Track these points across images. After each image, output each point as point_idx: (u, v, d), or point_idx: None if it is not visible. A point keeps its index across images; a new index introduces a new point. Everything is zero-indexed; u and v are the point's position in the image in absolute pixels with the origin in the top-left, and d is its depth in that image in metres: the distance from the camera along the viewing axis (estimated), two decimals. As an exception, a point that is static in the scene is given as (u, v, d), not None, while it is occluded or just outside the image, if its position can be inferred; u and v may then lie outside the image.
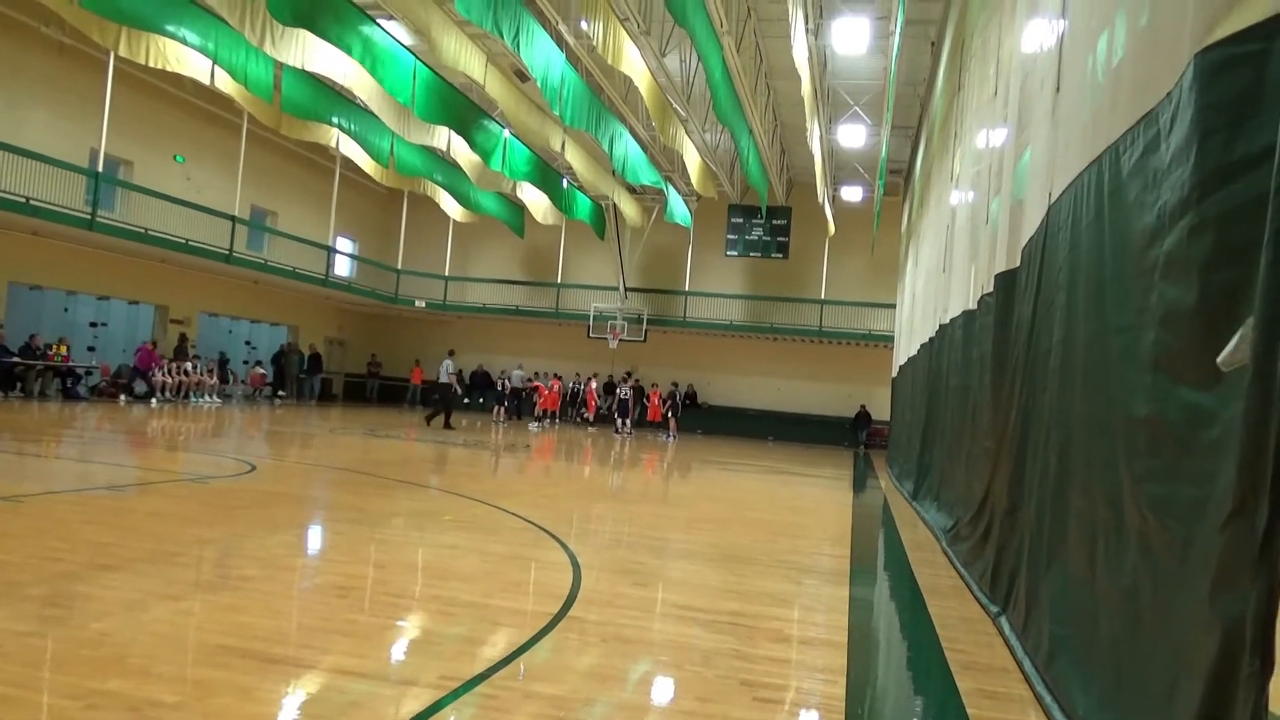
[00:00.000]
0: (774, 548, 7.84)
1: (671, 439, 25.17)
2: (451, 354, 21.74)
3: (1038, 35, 5.97)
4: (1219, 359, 2.33)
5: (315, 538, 6.92)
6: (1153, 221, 2.91)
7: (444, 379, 20.85)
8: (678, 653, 4.28)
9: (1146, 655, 2.87)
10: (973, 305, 8.00)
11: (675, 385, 28.18)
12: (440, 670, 3.71)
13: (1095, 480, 3.56)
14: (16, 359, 18.84)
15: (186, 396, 22.43)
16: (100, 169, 18.95)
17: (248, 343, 29.11)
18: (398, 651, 4.10)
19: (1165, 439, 2.79)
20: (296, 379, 28.15)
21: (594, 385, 28.44)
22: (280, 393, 27.27)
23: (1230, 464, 2.28)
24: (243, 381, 26.53)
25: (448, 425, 20.47)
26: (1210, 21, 2.51)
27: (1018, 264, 5.83)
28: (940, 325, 10.98)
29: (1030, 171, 5.75)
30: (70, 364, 20.34)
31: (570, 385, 29.83)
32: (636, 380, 28.22)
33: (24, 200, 17.01)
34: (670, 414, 26.60)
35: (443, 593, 5.15)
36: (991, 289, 6.82)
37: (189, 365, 22.81)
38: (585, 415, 28.45)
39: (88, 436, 13.31)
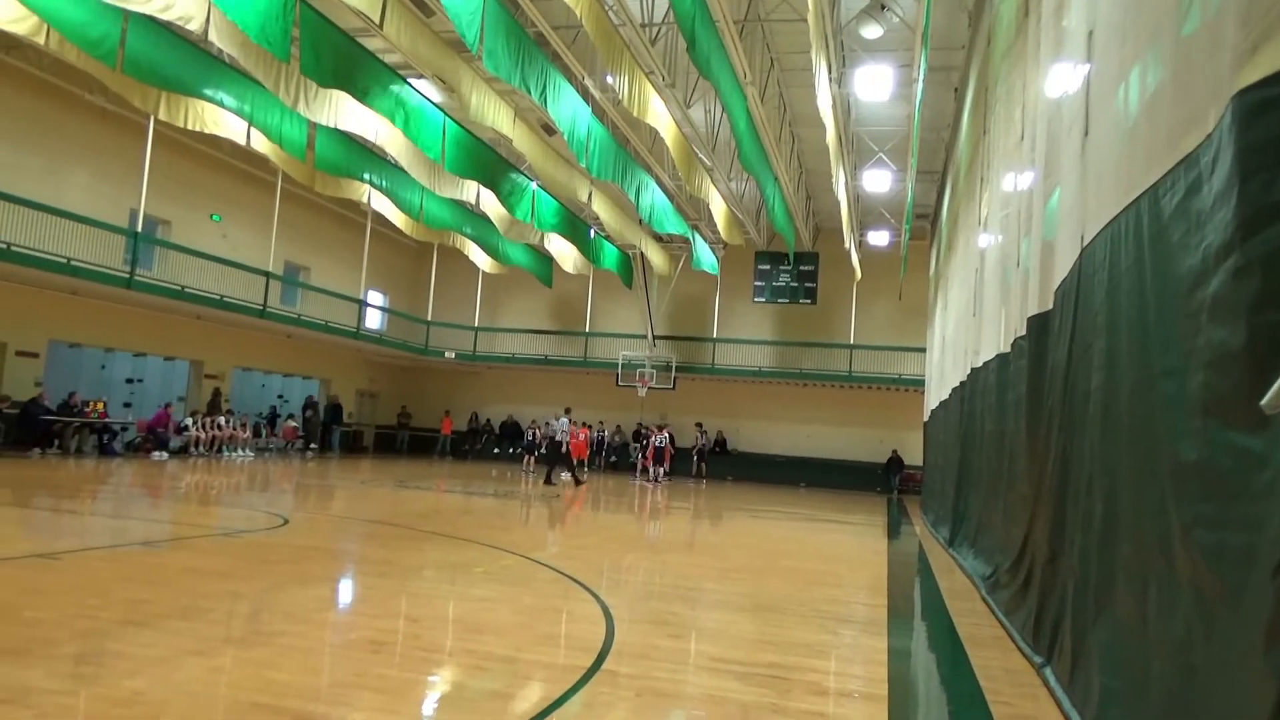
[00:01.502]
0: (809, 597, 7.70)
1: (654, 483, 24.91)
2: (568, 412, 21.92)
3: (1063, 79, 5.97)
4: (1263, 402, 2.27)
5: (347, 592, 6.90)
6: (1197, 264, 2.87)
7: (559, 437, 21.02)
8: (714, 707, 4.20)
9: (1202, 707, 2.77)
10: (1005, 348, 7.91)
11: (663, 425, 28.00)
12: (474, 727, 3.65)
13: (1144, 527, 3.47)
14: (54, 416, 19.14)
15: (220, 451, 22.64)
16: (139, 229, 19.40)
17: (280, 396, 29.44)
18: (430, 707, 4.05)
19: (1215, 484, 2.72)
20: (319, 430, 28.27)
21: (657, 438, 26.48)
22: (312, 446, 27.49)
23: (1282, 509, 2.21)
24: (275, 435, 26.78)
25: (548, 481, 20.78)
26: (1246, 63, 2.50)
27: (1050, 307, 5.77)
28: (972, 369, 10.87)
29: (1060, 214, 5.71)
30: (106, 420, 20.63)
31: (596, 434, 29.70)
32: (669, 429, 28.08)
33: (65, 261, 17.41)
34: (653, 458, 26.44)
35: (475, 646, 5.09)
36: (1024, 332, 6.75)
37: (221, 419, 23.07)
38: (652, 470, 26.24)
39: (122, 492, 13.44)
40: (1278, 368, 2.24)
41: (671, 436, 27.25)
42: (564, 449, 21.07)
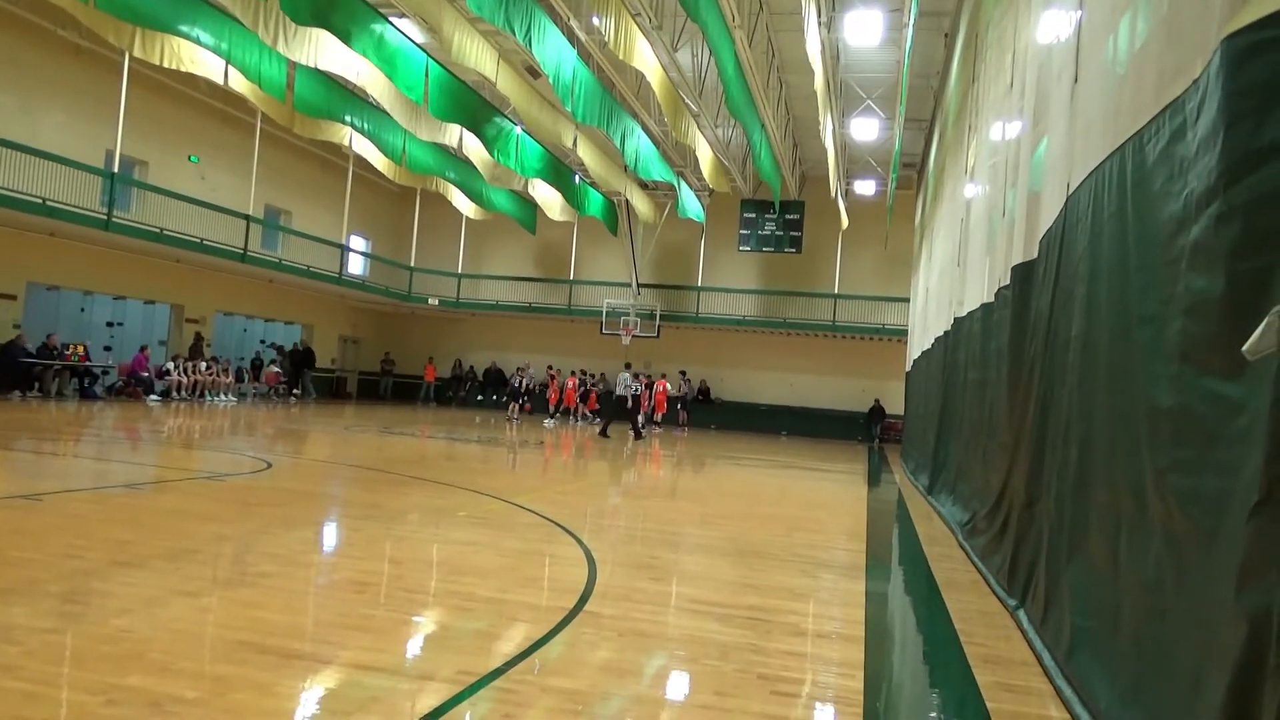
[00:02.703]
0: (789, 542, 7.81)
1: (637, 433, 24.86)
2: (628, 366, 22.05)
3: (1054, 26, 5.92)
4: (1245, 347, 2.30)
5: (332, 534, 6.94)
6: (1179, 210, 2.88)
7: (621, 391, 21.25)
8: (694, 647, 4.27)
9: (1171, 648, 2.84)
10: (989, 298, 7.94)
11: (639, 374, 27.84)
12: (457, 665, 3.71)
13: (1118, 472, 3.53)
14: (34, 359, 18.98)
15: (202, 396, 22.56)
16: (116, 170, 19.06)
17: (263, 341, 29.26)
18: (415, 646, 4.10)
19: (1191, 429, 2.76)
20: (291, 375, 27.84)
21: (666, 385, 26.77)
22: (295, 391, 27.37)
23: (1257, 453, 2.25)
24: (258, 381, 26.68)
25: (638, 436, 21.09)
26: (1236, 6, 2.48)
27: (1035, 256, 5.79)
28: (955, 319, 10.91)
29: (1047, 163, 5.70)
30: (87, 364, 20.48)
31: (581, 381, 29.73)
32: (649, 377, 28.06)
33: (40, 201, 17.12)
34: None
35: (459, 588, 5.15)
36: (1008, 281, 6.77)
37: (203, 364, 22.94)
38: (655, 419, 26.46)
39: (105, 435, 13.40)
40: (1256, 314, 2.26)
41: (651, 384, 27.20)
42: (630, 404, 21.39)
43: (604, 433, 21.20)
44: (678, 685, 3.82)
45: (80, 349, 20.37)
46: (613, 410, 21.76)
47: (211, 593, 4.67)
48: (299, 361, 28.03)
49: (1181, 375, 2.84)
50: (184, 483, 8.85)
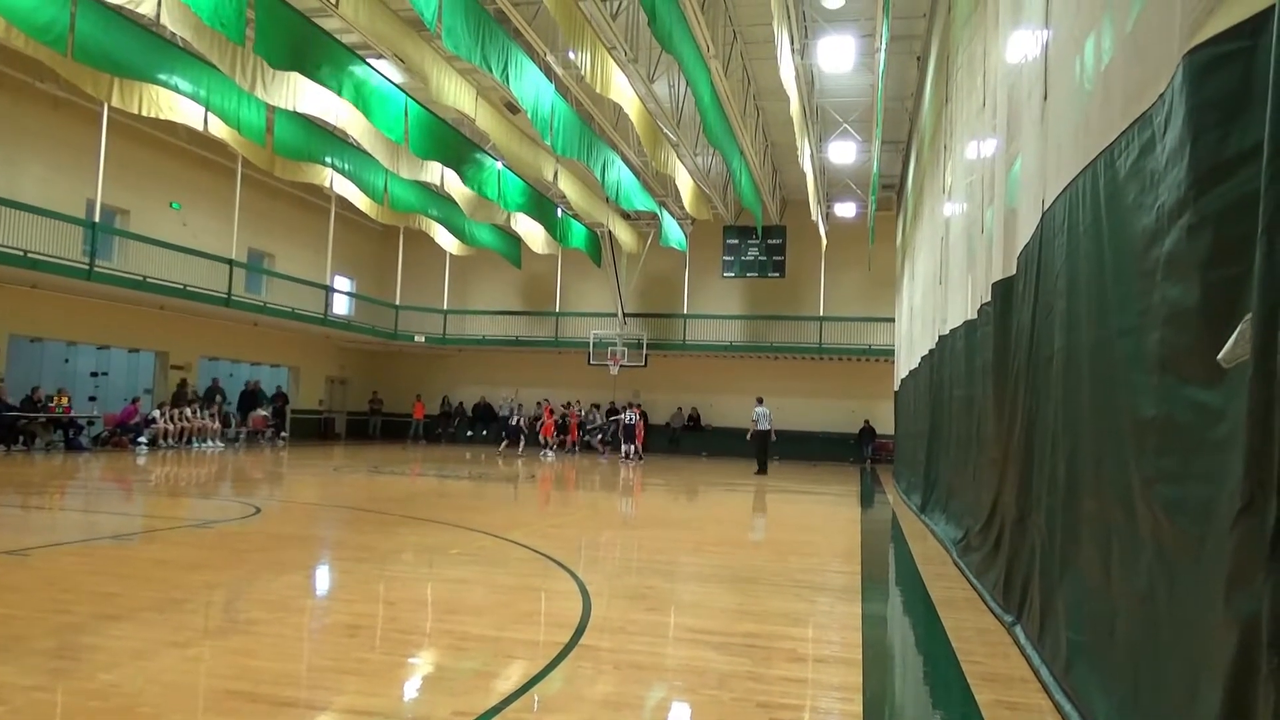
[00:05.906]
0: (784, 567, 7.79)
1: (626, 461, 24.65)
2: (761, 401, 22.09)
3: (1023, 45, 6.01)
4: (1220, 355, 2.32)
5: (323, 578, 6.88)
6: (1151, 223, 2.92)
7: (764, 425, 21.23)
8: (692, 677, 4.24)
9: (1165, 657, 2.84)
10: (972, 315, 8.00)
11: (631, 404, 27.67)
12: (454, 705, 3.67)
13: (1106, 484, 3.55)
14: (17, 412, 18.81)
15: (189, 442, 22.39)
16: (97, 219, 19.03)
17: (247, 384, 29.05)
18: (410, 688, 4.06)
19: (1174, 439, 2.78)
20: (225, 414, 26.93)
21: (627, 415, 25.99)
22: (283, 434, 27.10)
23: (1238, 460, 2.27)
24: (244, 425, 26.46)
25: (761, 470, 21.13)
26: (1197, 21, 2.53)
27: (1014, 272, 5.84)
28: (940, 337, 10.98)
29: (1022, 180, 5.77)
30: (71, 415, 20.31)
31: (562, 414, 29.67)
32: (639, 406, 28.04)
33: (22, 253, 17.07)
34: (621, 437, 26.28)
35: (453, 627, 5.11)
36: (990, 298, 6.83)
37: (189, 411, 22.78)
38: (624, 448, 25.81)
39: (91, 487, 13.27)
40: (1231, 322, 2.29)
41: (645, 414, 27.21)
42: (769, 436, 21.33)
43: (761, 469, 21.27)
44: (677, 716, 3.80)
45: (64, 400, 20.21)
46: (758, 445, 21.70)
47: (201, 642, 4.61)
48: (242, 403, 27.17)
49: (1162, 385, 2.87)
50: (172, 531, 8.77)
